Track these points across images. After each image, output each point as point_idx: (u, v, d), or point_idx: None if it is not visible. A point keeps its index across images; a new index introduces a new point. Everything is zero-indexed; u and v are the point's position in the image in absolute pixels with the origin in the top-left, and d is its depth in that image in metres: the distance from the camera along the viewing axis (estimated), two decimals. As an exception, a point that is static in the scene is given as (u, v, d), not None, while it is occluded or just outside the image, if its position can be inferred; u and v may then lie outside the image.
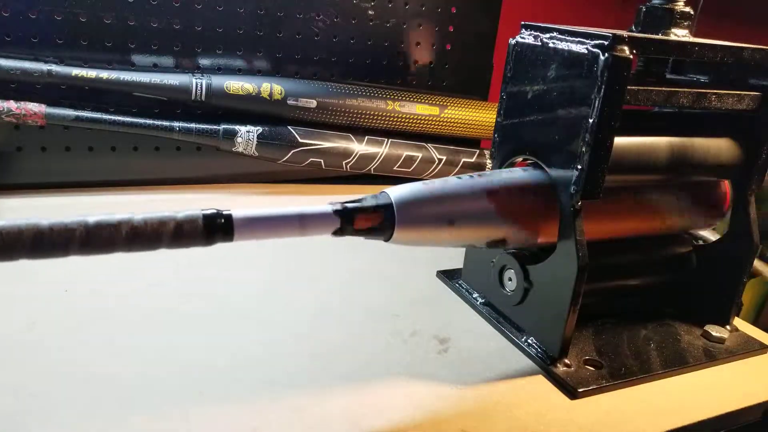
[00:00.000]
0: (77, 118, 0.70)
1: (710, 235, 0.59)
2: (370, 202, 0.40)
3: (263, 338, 0.48)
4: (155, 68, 0.76)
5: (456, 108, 0.87)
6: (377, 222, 0.39)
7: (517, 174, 0.47)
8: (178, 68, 0.77)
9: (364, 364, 0.46)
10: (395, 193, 0.40)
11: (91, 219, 0.31)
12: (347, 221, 0.38)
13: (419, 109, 0.85)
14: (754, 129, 0.51)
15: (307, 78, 0.83)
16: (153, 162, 0.80)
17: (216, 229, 0.34)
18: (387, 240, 0.40)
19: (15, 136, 0.72)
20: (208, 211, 0.34)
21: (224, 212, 0.35)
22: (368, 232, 0.40)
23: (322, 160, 0.81)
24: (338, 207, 0.38)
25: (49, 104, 0.69)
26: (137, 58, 0.75)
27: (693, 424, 0.43)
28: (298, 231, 0.37)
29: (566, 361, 0.47)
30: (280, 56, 0.81)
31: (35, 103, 0.68)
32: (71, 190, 0.75)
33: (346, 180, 0.87)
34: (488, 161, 0.90)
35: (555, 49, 0.45)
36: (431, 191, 0.42)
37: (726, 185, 0.55)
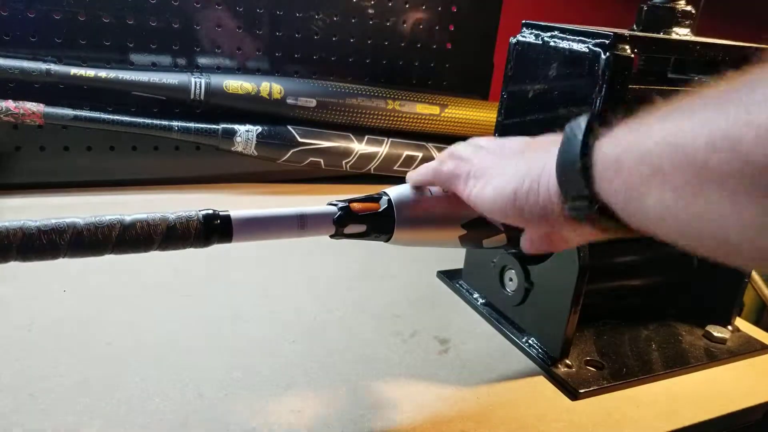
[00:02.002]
0: (76, 118, 0.69)
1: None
2: (369, 202, 0.40)
3: (263, 339, 0.47)
4: (154, 67, 0.75)
5: (456, 107, 0.87)
6: (377, 222, 0.39)
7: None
8: (176, 67, 0.77)
9: (364, 364, 0.45)
10: (395, 193, 0.40)
11: (81, 221, 0.30)
12: (347, 221, 0.38)
13: (419, 109, 0.85)
14: (755, 128, 0.50)
15: (306, 77, 0.82)
16: (152, 161, 0.79)
17: (214, 230, 0.34)
18: (387, 240, 0.40)
19: (13, 136, 0.72)
20: (206, 212, 0.34)
21: (222, 213, 0.34)
22: (368, 233, 0.39)
23: (321, 160, 0.81)
24: (338, 207, 0.38)
25: (48, 103, 0.69)
26: (136, 57, 0.74)
27: (694, 425, 0.43)
28: (298, 231, 0.37)
29: (567, 361, 0.47)
30: (280, 55, 0.81)
31: (34, 103, 0.68)
32: (70, 190, 0.75)
33: (346, 179, 0.87)
34: (488, 161, 0.90)
35: (556, 48, 0.45)
36: (431, 191, 0.41)
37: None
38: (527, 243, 0.38)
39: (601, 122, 0.28)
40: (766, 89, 0.19)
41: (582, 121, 0.29)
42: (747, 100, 0.19)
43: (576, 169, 0.28)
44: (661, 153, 0.23)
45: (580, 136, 0.28)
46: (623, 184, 0.26)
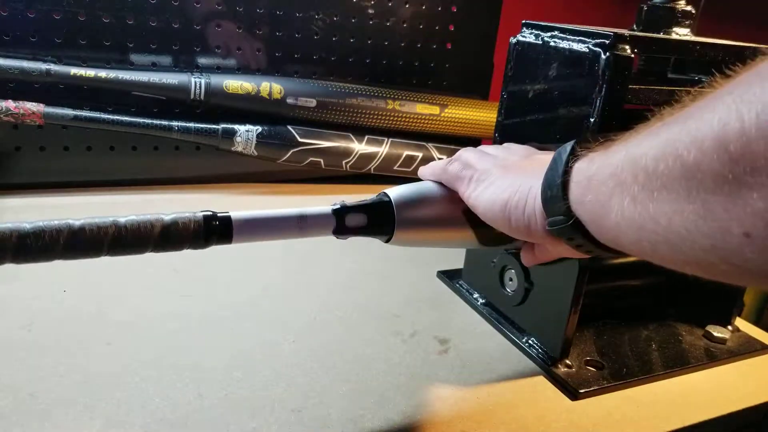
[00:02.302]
0: (76, 118, 0.69)
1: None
2: (370, 203, 0.40)
3: (263, 339, 0.47)
4: (154, 67, 0.75)
5: (456, 107, 0.87)
6: (377, 223, 0.39)
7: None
8: (176, 67, 0.77)
9: (364, 364, 0.45)
10: (395, 193, 0.40)
11: (76, 222, 0.30)
12: (347, 222, 0.38)
13: (420, 109, 0.85)
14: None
15: (306, 77, 0.82)
16: (152, 161, 0.79)
17: (214, 231, 0.34)
18: (387, 241, 0.40)
19: (13, 136, 0.72)
20: (206, 213, 0.34)
21: (222, 214, 0.34)
22: (368, 234, 0.39)
23: (321, 160, 0.81)
24: (338, 207, 0.38)
25: (48, 103, 0.69)
26: (136, 57, 0.74)
27: (694, 425, 0.43)
28: (298, 232, 0.37)
29: (567, 361, 0.47)
30: (280, 55, 0.81)
31: (34, 103, 0.68)
32: (70, 190, 0.75)
33: (346, 180, 0.87)
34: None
35: (556, 48, 0.45)
36: (432, 191, 0.41)
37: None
38: (522, 257, 0.44)
39: (583, 146, 0.32)
40: (702, 106, 0.22)
41: (568, 146, 0.32)
42: (686, 117, 0.23)
43: (556, 187, 0.32)
44: (623, 168, 0.27)
45: (564, 158, 0.32)
46: (594, 199, 0.29)
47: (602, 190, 0.28)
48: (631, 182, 0.26)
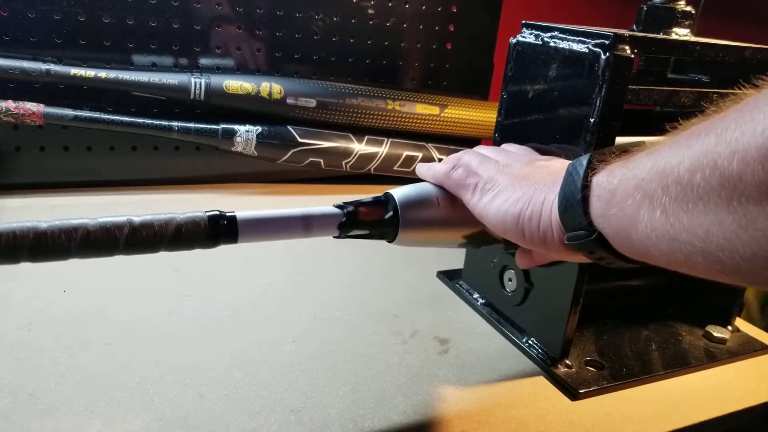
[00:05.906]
0: (76, 118, 0.69)
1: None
2: (374, 204, 0.40)
3: (263, 339, 0.47)
4: (154, 67, 0.75)
5: (456, 107, 0.87)
6: (381, 224, 0.39)
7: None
8: (176, 67, 0.77)
9: (364, 364, 0.45)
10: (399, 194, 0.40)
11: (91, 222, 0.30)
12: (352, 223, 0.38)
13: (419, 109, 0.85)
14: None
15: (306, 77, 0.82)
16: (152, 162, 0.79)
17: (220, 231, 0.34)
18: (391, 241, 0.40)
19: (13, 136, 0.72)
20: (212, 213, 0.34)
21: (228, 214, 0.34)
22: (372, 234, 0.39)
23: (321, 160, 0.81)
24: (343, 208, 0.38)
25: (48, 104, 0.69)
26: (136, 58, 0.74)
27: (694, 425, 0.43)
28: (303, 232, 0.37)
29: (567, 361, 0.47)
30: (280, 55, 0.81)
31: (34, 103, 0.68)
32: (70, 190, 0.75)
33: (346, 180, 0.87)
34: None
35: (556, 48, 0.45)
36: (435, 192, 0.41)
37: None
38: (518, 259, 0.43)
39: (599, 158, 0.31)
40: (737, 116, 0.22)
41: (584, 160, 0.32)
42: (721, 128, 0.23)
43: (576, 202, 0.31)
44: (650, 180, 0.26)
45: (581, 172, 0.31)
46: (618, 212, 0.28)
47: (628, 203, 0.28)
48: (661, 194, 0.25)
